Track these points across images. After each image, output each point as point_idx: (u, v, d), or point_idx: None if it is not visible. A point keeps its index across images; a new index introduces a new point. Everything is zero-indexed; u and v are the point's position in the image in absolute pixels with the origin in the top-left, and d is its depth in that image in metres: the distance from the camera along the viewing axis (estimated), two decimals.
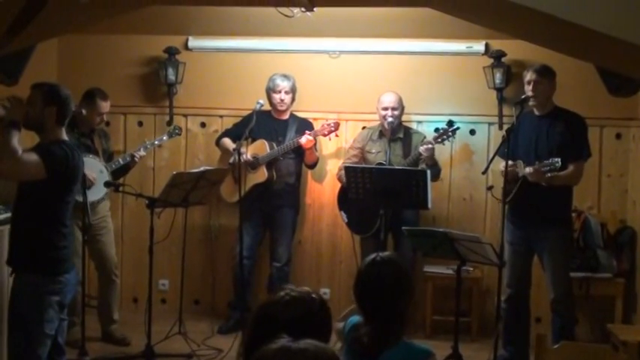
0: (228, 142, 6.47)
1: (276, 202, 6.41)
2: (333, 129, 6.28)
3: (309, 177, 6.82)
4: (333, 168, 6.75)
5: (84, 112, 5.77)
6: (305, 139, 6.20)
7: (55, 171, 4.00)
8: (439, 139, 5.91)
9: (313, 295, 2.38)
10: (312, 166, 6.56)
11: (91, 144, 5.94)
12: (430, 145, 5.89)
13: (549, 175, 5.13)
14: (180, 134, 6.51)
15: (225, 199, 6.54)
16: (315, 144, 6.35)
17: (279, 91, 6.36)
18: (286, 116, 6.47)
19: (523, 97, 5.39)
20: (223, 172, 6.08)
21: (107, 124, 6.59)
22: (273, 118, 6.47)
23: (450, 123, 5.93)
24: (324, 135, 6.33)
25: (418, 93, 6.57)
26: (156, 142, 6.34)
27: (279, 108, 6.40)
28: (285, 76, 6.40)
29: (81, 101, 5.88)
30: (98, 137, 6.05)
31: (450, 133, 5.89)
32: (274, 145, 6.33)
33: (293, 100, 6.46)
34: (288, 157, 6.38)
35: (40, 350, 4.02)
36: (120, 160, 6.02)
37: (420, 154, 5.92)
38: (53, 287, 4.04)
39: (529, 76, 5.40)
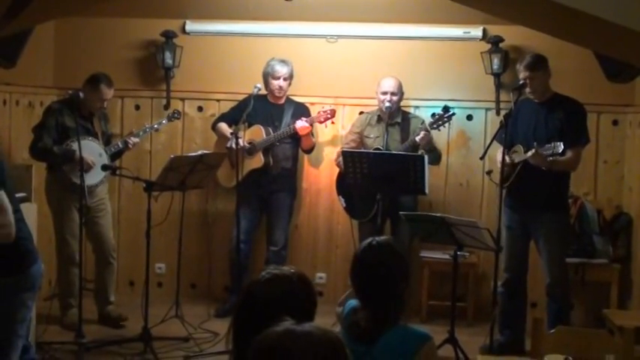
0: (224, 126, 6.46)
1: (272, 186, 6.41)
2: (329, 116, 6.27)
3: (305, 162, 6.82)
4: (329, 153, 6.76)
5: (81, 94, 5.70)
6: (300, 125, 6.19)
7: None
8: (434, 125, 5.88)
9: (293, 272, 2.37)
10: (309, 151, 6.56)
11: (90, 127, 5.92)
12: (425, 132, 5.87)
13: (550, 159, 5.14)
14: (179, 118, 6.47)
15: (222, 184, 6.54)
16: (311, 130, 6.34)
17: (279, 78, 6.33)
18: (282, 101, 6.46)
19: (521, 82, 5.39)
20: (221, 156, 6.07)
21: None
22: (270, 103, 6.45)
23: (446, 109, 5.90)
24: (320, 122, 6.31)
25: (415, 78, 6.56)
26: (155, 126, 6.31)
27: (277, 94, 6.39)
28: (284, 62, 6.37)
29: (84, 84, 5.87)
30: (98, 120, 6.03)
31: (445, 119, 5.86)
32: (270, 130, 6.32)
33: (289, 85, 6.45)
34: (284, 142, 6.37)
35: (13, 355, 3.76)
36: (119, 143, 6.01)
37: (415, 141, 5.91)
38: (25, 284, 3.75)
39: (522, 74, 5.40)
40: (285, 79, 6.35)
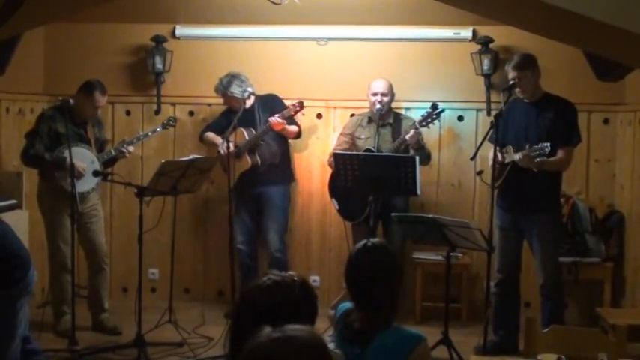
0: (211, 135, 6.50)
1: (264, 180, 6.40)
2: (298, 109, 6.22)
3: (299, 165, 6.81)
4: (321, 155, 6.75)
5: (71, 101, 5.67)
6: (274, 121, 6.19)
7: None
8: (424, 123, 5.87)
9: (295, 278, 2.36)
10: (297, 138, 6.59)
11: (84, 133, 5.90)
12: (415, 131, 5.86)
13: (539, 160, 5.14)
14: (174, 125, 6.45)
15: (222, 190, 6.54)
16: (285, 124, 6.25)
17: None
18: (248, 105, 6.36)
19: (511, 82, 5.40)
20: (212, 160, 6.07)
21: None
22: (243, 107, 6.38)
23: (435, 106, 5.89)
24: (292, 116, 6.31)
25: (406, 80, 6.56)
26: (149, 134, 6.28)
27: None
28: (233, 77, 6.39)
29: (77, 91, 5.85)
30: (92, 126, 6.01)
31: (434, 116, 5.84)
32: (253, 131, 6.33)
33: (248, 93, 6.28)
34: (268, 139, 6.36)
35: (13, 356, 3.88)
36: (112, 151, 5.98)
37: (405, 140, 5.90)
38: (22, 291, 3.86)
39: (511, 74, 5.41)
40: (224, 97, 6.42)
